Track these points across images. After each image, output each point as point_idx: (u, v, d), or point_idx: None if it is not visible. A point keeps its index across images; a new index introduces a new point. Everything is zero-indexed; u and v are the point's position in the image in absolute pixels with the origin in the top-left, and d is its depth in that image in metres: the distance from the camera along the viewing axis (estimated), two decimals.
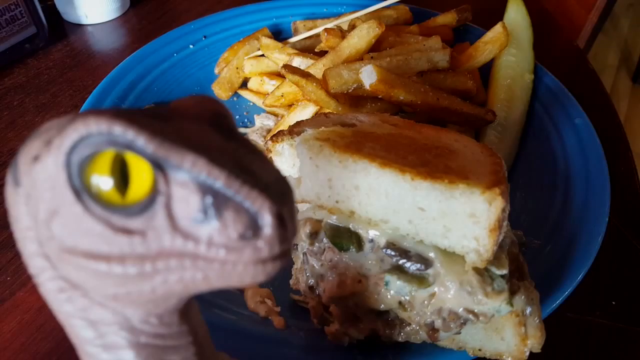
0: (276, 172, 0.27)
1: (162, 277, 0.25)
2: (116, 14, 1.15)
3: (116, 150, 0.24)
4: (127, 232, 0.24)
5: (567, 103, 0.82)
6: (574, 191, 0.71)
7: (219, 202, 0.24)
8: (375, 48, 0.80)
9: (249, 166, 0.25)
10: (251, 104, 0.91)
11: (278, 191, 0.25)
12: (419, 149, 0.53)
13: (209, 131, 0.27)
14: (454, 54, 0.81)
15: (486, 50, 0.84)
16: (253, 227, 0.24)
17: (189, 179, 0.24)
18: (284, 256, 0.26)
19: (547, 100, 0.84)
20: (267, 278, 0.26)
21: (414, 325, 0.52)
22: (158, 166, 0.24)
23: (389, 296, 0.51)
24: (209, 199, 0.24)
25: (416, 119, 0.68)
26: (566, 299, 0.58)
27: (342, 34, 0.83)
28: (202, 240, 0.24)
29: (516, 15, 0.90)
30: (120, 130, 0.23)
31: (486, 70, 0.88)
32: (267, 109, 0.87)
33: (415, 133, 0.58)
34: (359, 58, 0.78)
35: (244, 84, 0.93)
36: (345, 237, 0.52)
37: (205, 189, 0.24)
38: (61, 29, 1.13)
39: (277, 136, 0.58)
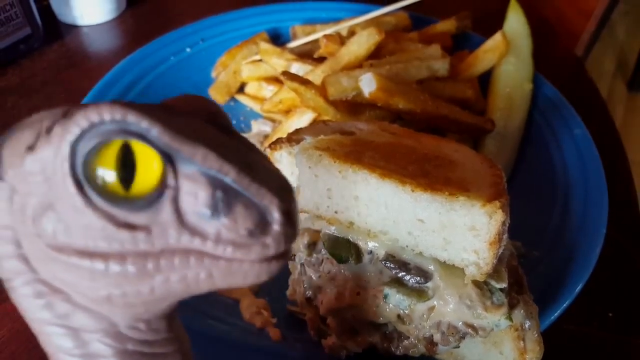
0: (276, 170, 0.26)
1: (163, 276, 0.24)
2: (112, 15, 1.14)
3: (125, 140, 0.23)
4: (131, 227, 0.23)
5: (566, 113, 0.82)
6: (572, 203, 0.70)
7: (228, 198, 0.23)
8: (375, 55, 0.79)
9: (252, 162, 0.25)
10: (248, 109, 0.90)
11: (282, 188, 0.25)
12: (419, 159, 0.53)
13: (210, 128, 0.26)
14: (453, 62, 0.81)
15: (486, 58, 0.83)
16: (262, 224, 0.24)
17: (199, 172, 0.23)
18: (287, 255, 0.25)
19: (546, 110, 0.84)
20: (269, 277, 0.25)
21: (412, 339, 0.51)
22: (168, 159, 0.23)
23: (387, 309, 0.50)
24: (219, 194, 0.23)
25: (415, 127, 0.67)
26: (563, 311, 0.58)
27: (341, 40, 0.82)
28: (209, 236, 0.24)
29: (516, 24, 0.90)
30: (135, 119, 0.22)
31: (485, 79, 0.87)
32: (265, 114, 0.86)
33: (415, 142, 0.57)
34: (358, 65, 0.78)
35: (241, 89, 0.92)
36: (344, 248, 0.51)
37: (215, 184, 0.23)
38: (56, 29, 1.11)
39: (276, 144, 0.57)
